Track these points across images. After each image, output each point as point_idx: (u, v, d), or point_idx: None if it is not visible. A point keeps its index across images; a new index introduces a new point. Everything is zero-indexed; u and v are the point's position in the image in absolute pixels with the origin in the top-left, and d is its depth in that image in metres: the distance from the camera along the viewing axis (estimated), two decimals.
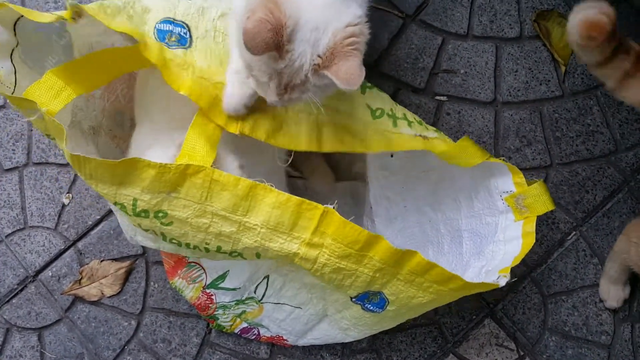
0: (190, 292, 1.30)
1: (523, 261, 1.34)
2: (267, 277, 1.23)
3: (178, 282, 1.30)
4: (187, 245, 1.00)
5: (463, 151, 1.14)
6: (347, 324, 1.19)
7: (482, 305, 1.41)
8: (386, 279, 1.00)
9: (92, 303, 1.42)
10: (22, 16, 0.96)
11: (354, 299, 1.08)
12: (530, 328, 1.40)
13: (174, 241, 1.01)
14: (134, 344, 1.41)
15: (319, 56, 0.83)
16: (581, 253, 1.42)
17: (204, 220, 0.96)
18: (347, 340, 1.27)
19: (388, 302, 1.05)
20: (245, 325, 1.33)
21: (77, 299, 1.42)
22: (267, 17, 0.79)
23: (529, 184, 1.15)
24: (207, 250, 1.01)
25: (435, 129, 1.15)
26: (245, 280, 1.25)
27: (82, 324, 1.42)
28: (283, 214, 0.93)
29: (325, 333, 1.27)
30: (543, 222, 1.42)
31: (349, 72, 0.81)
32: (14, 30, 1.00)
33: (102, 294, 1.42)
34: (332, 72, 0.82)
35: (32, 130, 1.47)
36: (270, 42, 0.80)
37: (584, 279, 1.41)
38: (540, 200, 1.13)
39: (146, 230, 1.01)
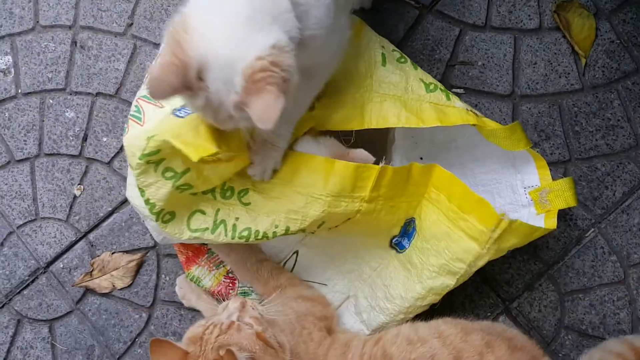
0: (210, 281, 1.33)
1: (540, 258, 1.34)
2: (297, 252, 1.30)
3: (197, 271, 1.32)
4: (256, 233, 1.11)
5: (512, 133, 1.21)
6: (368, 302, 1.25)
7: (497, 302, 1.41)
8: (417, 200, 1.15)
9: (103, 295, 1.44)
10: None
11: (393, 241, 1.23)
12: (546, 326, 1.40)
13: (243, 233, 1.12)
14: (144, 336, 1.43)
15: (236, 92, 0.83)
16: (599, 250, 1.41)
17: (280, 199, 1.10)
18: (363, 332, 1.28)
19: (416, 231, 1.16)
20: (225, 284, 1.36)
21: (88, 291, 1.44)
22: (171, 60, 0.79)
23: (554, 179, 1.21)
24: (274, 234, 1.11)
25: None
26: (273, 258, 1.31)
27: (93, 316, 1.44)
28: (344, 180, 1.07)
29: (344, 321, 1.29)
30: (561, 219, 1.41)
31: (263, 109, 0.79)
32: None
33: (113, 286, 1.43)
34: (250, 109, 0.81)
35: (43, 121, 1.49)
36: (177, 85, 0.81)
37: (601, 276, 1.40)
38: (563, 196, 1.18)
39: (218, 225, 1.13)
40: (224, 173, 1.11)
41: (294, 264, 1.31)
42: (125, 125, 1.17)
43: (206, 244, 1.31)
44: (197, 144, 0.98)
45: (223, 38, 0.82)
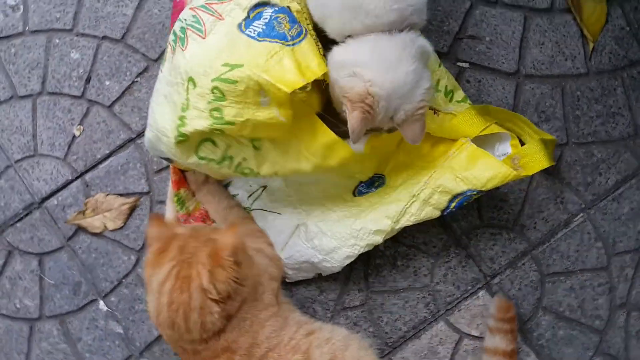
0: (192, 204, 1.39)
1: (526, 238, 1.38)
2: (264, 187, 1.39)
3: (184, 193, 1.39)
4: (257, 175, 1.27)
5: (467, 122, 1.29)
6: (318, 227, 1.36)
7: (479, 277, 1.45)
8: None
9: (94, 235, 1.50)
10: None
11: (359, 187, 1.35)
12: (524, 305, 1.45)
13: (245, 171, 1.25)
14: (131, 278, 1.49)
15: (394, 121, 1.14)
16: (586, 236, 1.45)
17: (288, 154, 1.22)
18: (319, 265, 1.37)
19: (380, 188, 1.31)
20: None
21: (80, 229, 1.50)
22: (366, 116, 1.10)
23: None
24: None
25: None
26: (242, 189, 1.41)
27: (82, 253, 1.50)
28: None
29: (296, 250, 1.37)
30: (551, 201, 1.45)
31: (414, 133, 1.15)
32: None
33: (105, 227, 1.49)
34: (402, 130, 1.15)
35: (48, 60, 1.53)
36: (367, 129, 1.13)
37: (585, 262, 1.44)
38: (535, 159, 1.26)
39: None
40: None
41: (257, 197, 1.39)
42: (181, 36, 1.17)
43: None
44: (286, 79, 1.08)
45: (398, 96, 1.12)
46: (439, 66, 1.34)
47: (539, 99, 1.47)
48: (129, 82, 1.51)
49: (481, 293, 1.45)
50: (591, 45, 1.47)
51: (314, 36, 1.19)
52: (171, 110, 1.18)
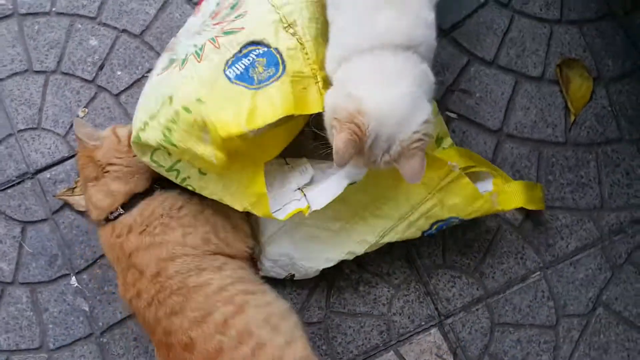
0: None
1: (483, 285, 1.47)
2: None
3: None
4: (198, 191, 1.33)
5: (453, 156, 1.42)
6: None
7: (434, 315, 1.53)
8: None
9: (79, 212, 1.57)
10: None
11: None
12: (472, 349, 1.52)
13: (187, 187, 1.34)
14: (106, 259, 1.55)
15: (391, 155, 1.10)
16: (539, 293, 1.53)
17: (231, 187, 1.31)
18: (296, 264, 1.45)
19: None
20: None
21: (66, 205, 1.57)
22: (353, 138, 1.05)
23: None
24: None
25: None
26: None
27: (64, 229, 1.57)
28: None
29: (280, 242, 1.45)
30: (512, 255, 1.54)
31: (411, 169, 1.10)
32: None
33: None
34: (399, 166, 1.11)
35: (67, 42, 1.63)
36: (354, 154, 1.08)
37: (535, 317, 1.53)
38: (512, 198, 1.39)
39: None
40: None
41: None
42: (184, 58, 1.27)
43: None
44: (224, 123, 1.17)
45: (392, 120, 1.08)
46: (436, 114, 1.44)
47: (516, 158, 1.57)
48: (139, 75, 1.61)
49: (433, 330, 1.53)
50: (573, 117, 1.58)
51: (314, 72, 1.23)
52: (143, 112, 1.27)
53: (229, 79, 1.20)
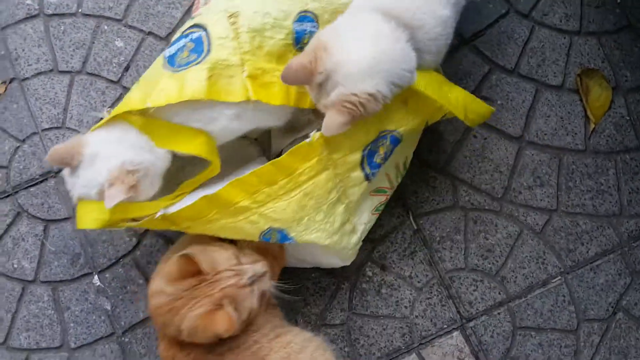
0: None
1: (505, 290, 1.49)
2: None
3: None
4: None
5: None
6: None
7: (456, 318, 1.55)
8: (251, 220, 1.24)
9: None
10: None
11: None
12: (494, 352, 1.54)
13: None
14: (129, 259, 1.57)
15: (330, 100, 1.13)
16: (560, 298, 1.56)
17: None
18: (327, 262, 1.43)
19: (282, 229, 1.24)
20: None
21: None
22: (306, 65, 1.11)
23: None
24: None
25: None
26: None
27: None
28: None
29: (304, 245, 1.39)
30: (533, 260, 1.57)
31: (330, 122, 1.11)
32: None
33: None
34: (326, 114, 1.13)
35: (93, 43, 1.66)
36: (302, 80, 1.13)
37: (556, 322, 1.55)
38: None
39: None
40: None
41: None
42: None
43: None
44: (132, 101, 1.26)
45: (345, 70, 1.10)
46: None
47: (537, 165, 1.61)
48: None
49: (455, 334, 1.55)
50: (592, 126, 1.62)
51: (244, 62, 1.23)
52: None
53: (165, 58, 1.26)
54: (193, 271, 1.14)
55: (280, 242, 1.27)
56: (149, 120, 1.23)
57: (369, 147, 1.26)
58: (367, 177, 1.29)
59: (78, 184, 1.21)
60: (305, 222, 1.25)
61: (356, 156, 1.25)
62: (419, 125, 1.32)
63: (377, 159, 1.28)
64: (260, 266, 1.22)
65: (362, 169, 1.27)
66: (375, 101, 1.10)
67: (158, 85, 1.21)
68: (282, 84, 1.19)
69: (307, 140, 1.18)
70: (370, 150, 1.27)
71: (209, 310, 1.13)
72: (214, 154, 1.27)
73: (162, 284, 1.17)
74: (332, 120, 1.10)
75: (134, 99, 1.24)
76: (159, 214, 1.23)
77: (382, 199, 1.41)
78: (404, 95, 1.20)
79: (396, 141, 1.29)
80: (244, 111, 1.24)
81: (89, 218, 1.25)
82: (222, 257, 1.18)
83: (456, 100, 1.28)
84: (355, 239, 1.36)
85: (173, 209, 1.24)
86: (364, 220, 1.37)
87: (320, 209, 1.25)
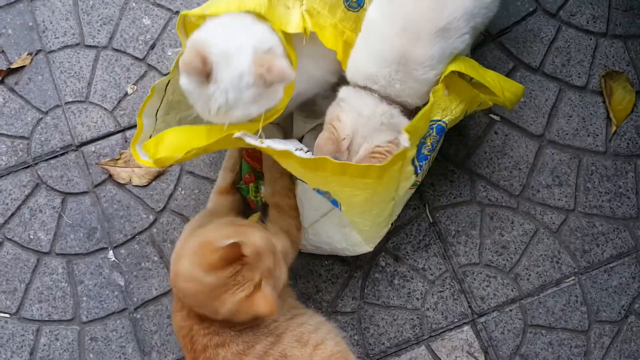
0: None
1: (518, 287, 1.49)
2: None
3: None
4: None
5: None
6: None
7: (467, 313, 1.55)
8: (321, 182, 1.25)
9: (120, 187, 1.60)
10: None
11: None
12: (503, 348, 1.54)
13: None
14: (145, 235, 1.58)
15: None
16: (573, 298, 1.56)
17: None
18: (340, 251, 1.44)
19: (339, 203, 1.29)
20: None
21: (109, 178, 1.60)
22: (330, 137, 1.26)
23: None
24: None
25: None
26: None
27: (105, 202, 1.59)
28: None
29: (325, 230, 1.43)
30: (548, 258, 1.57)
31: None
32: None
33: (130, 180, 1.59)
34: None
35: (121, 19, 1.67)
36: (333, 151, 1.25)
37: (567, 321, 1.55)
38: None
39: None
40: None
41: None
42: None
43: None
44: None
45: (364, 127, 1.26)
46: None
47: (557, 164, 1.61)
48: None
49: (466, 328, 1.55)
50: (614, 128, 1.62)
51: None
52: None
53: None
54: (235, 258, 1.14)
55: (331, 203, 1.31)
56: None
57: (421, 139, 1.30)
58: (415, 171, 1.32)
59: (221, 88, 1.16)
60: (360, 212, 1.30)
61: (413, 151, 1.28)
62: (461, 113, 1.33)
63: (424, 151, 1.31)
64: (286, 241, 1.28)
65: (413, 162, 1.30)
66: (397, 146, 1.23)
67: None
68: (334, 30, 1.26)
69: (405, 145, 1.20)
70: (420, 142, 1.30)
71: (250, 293, 1.15)
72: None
73: (198, 272, 1.16)
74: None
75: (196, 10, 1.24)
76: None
77: (412, 192, 1.42)
78: (446, 83, 1.24)
79: (442, 131, 1.31)
80: (300, 54, 1.26)
81: (171, 145, 1.26)
82: (258, 238, 1.18)
83: (493, 80, 1.31)
84: (386, 230, 1.40)
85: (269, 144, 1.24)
86: (398, 212, 1.41)
87: (379, 206, 1.31)
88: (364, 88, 1.27)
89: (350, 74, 1.30)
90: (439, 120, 1.29)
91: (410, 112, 1.29)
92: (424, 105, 1.23)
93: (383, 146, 1.24)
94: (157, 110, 1.38)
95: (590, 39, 1.66)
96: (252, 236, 1.17)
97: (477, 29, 1.31)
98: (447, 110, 1.29)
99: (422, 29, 1.21)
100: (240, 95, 1.16)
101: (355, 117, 1.25)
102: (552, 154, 1.61)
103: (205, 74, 1.14)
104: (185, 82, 1.18)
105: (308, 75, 1.32)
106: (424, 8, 1.21)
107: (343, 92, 1.30)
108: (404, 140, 1.20)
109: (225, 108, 1.17)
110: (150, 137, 1.34)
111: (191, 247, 1.22)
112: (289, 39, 1.24)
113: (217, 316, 1.17)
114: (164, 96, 1.37)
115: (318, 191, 1.29)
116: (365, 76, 1.27)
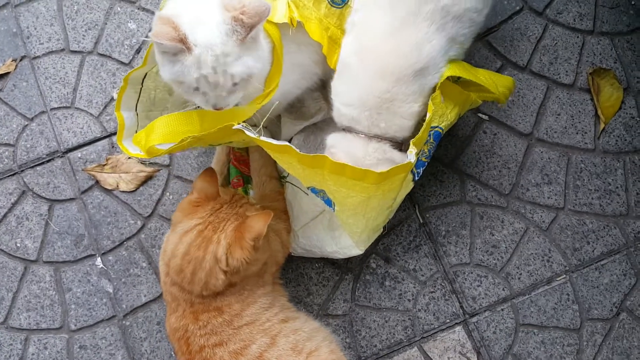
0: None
1: (509, 286, 1.49)
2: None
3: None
4: None
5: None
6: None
7: (459, 313, 1.55)
8: (317, 180, 1.23)
9: (107, 193, 1.58)
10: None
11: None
12: (495, 348, 1.54)
13: None
14: (133, 241, 1.57)
15: None
16: (564, 296, 1.55)
17: None
18: (330, 254, 1.44)
19: (333, 202, 1.28)
20: None
21: (96, 184, 1.58)
22: None
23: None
24: None
25: None
26: None
27: (92, 209, 1.58)
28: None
29: (315, 233, 1.43)
30: (539, 257, 1.56)
31: None
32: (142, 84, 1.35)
33: (117, 186, 1.58)
34: None
35: (106, 24, 1.65)
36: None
37: (559, 320, 1.55)
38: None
39: None
40: None
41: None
42: None
43: None
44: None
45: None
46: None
47: (546, 162, 1.60)
48: None
49: (458, 328, 1.55)
50: (602, 125, 1.62)
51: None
52: None
53: None
54: (212, 195, 1.20)
55: (325, 203, 1.31)
56: None
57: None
58: (414, 178, 1.32)
59: (204, 48, 1.07)
60: (353, 214, 1.29)
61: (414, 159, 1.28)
62: (455, 117, 1.33)
63: (422, 158, 1.32)
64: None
65: (411, 170, 1.29)
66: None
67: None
68: (319, 24, 1.25)
69: (410, 160, 1.19)
70: (420, 151, 1.30)
71: (240, 222, 1.19)
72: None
73: (186, 220, 1.21)
74: None
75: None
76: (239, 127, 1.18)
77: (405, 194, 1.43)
78: (441, 89, 1.24)
79: (439, 137, 1.31)
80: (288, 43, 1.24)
81: (164, 132, 1.22)
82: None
83: (485, 78, 1.32)
84: (378, 234, 1.40)
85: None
86: (390, 216, 1.41)
87: (375, 210, 1.30)
88: (350, 130, 1.27)
89: (335, 117, 1.31)
90: (437, 127, 1.29)
91: (400, 144, 1.28)
92: (412, 137, 1.22)
93: None
94: (137, 104, 1.35)
95: (577, 37, 1.66)
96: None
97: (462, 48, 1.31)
98: (443, 116, 1.29)
99: (400, 71, 1.20)
100: (226, 47, 1.08)
101: (349, 159, 1.21)
102: (541, 152, 1.61)
103: (179, 39, 1.06)
104: (163, 62, 1.11)
105: (293, 63, 1.29)
106: (400, 52, 1.20)
107: (331, 139, 1.29)
108: (410, 156, 1.19)
109: (221, 68, 1.09)
110: (136, 132, 1.32)
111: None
112: (276, 33, 1.22)
113: (218, 278, 1.18)
114: (141, 89, 1.34)
115: (313, 190, 1.29)
116: (349, 119, 1.27)
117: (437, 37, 1.21)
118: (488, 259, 1.57)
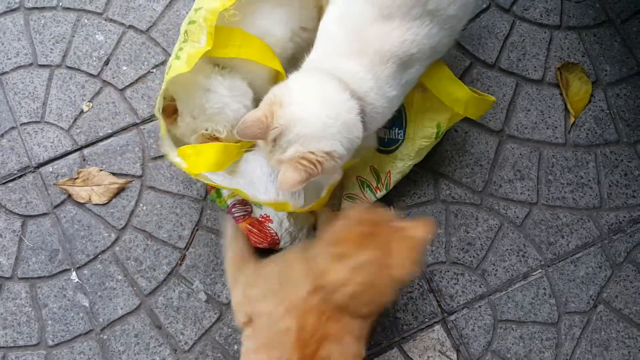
0: (226, 194, 1.51)
1: (486, 282, 1.49)
2: None
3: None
4: None
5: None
6: None
7: (437, 312, 1.55)
8: None
9: (80, 206, 1.57)
10: None
11: None
12: (475, 345, 1.54)
13: None
14: (108, 254, 1.56)
15: (285, 156, 1.16)
16: (541, 291, 1.56)
17: None
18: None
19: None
20: (239, 198, 1.47)
21: (68, 198, 1.57)
22: (262, 119, 1.13)
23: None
24: None
25: None
26: None
27: (66, 223, 1.57)
28: None
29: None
30: (514, 253, 1.57)
31: (285, 178, 1.12)
32: None
33: (90, 199, 1.57)
34: (280, 171, 1.14)
35: (73, 36, 1.65)
36: (257, 135, 1.14)
37: (537, 314, 1.55)
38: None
39: None
40: None
41: None
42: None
43: None
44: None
45: (300, 128, 1.11)
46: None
47: (517, 158, 1.61)
48: (145, 71, 1.63)
49: (437, 327, 1.55)
50: (572, 119, 1.63)
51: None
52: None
53: None
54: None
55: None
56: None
57: None
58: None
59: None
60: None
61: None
62: (453, 117, 1.42)
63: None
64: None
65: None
66: (332, 160, 1.13)
67: None
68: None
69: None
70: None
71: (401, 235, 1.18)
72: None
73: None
74: (287, 177, 1.11)
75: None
76: None
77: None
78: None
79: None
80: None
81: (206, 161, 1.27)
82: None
83: (457, 96, 1.35)
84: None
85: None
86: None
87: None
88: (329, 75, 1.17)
89: (316, 59, 1.23)
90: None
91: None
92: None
93: (317, 154, 1.12)
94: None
95: (545, 32, 1.67)
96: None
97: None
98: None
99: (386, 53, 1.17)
100: None
101: (299, 110, 1.12)
102: (513, 148, 1.62)
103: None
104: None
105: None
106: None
107: (305, 74, 1.20)
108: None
109: None
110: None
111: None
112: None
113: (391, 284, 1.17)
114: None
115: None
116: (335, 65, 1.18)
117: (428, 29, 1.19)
118: (464, 257, 1.57)
